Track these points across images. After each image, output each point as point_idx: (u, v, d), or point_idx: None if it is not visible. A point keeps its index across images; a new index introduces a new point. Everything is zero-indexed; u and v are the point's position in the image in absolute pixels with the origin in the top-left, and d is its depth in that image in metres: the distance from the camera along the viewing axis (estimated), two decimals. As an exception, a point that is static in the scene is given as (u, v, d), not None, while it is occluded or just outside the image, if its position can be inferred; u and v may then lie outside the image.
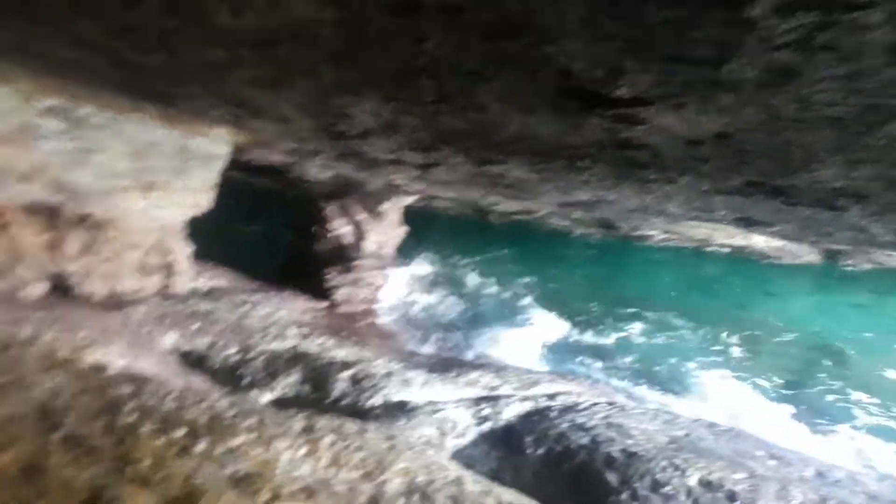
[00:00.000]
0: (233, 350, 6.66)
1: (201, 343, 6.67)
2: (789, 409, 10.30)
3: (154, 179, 7.34)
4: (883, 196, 4.68)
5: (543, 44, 2.89)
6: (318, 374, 6.53)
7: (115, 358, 5.36)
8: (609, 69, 3.10)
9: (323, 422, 4.62)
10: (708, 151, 4.53)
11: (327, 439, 4.32)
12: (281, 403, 5.91)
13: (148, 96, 6.42)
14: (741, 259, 13.25)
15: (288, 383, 6.37)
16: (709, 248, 12.83)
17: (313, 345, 7.27)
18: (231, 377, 6.29)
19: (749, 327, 13.04)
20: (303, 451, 4.04)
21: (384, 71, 3.96)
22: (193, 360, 6.43)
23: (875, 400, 10.91)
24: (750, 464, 5.90)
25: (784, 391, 11.11)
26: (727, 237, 10.97)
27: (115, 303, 6.85)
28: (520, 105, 4.16)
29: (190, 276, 8.11)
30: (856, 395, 11.06)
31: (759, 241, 11.05)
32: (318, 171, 10.04)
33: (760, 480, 5.52)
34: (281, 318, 8.03)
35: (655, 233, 11.52)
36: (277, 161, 9.75)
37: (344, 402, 6.19)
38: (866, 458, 8.92)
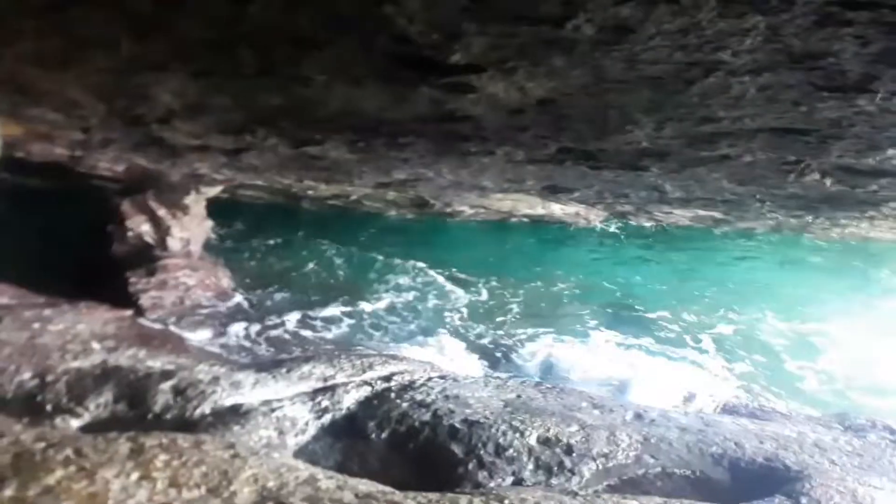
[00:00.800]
0: (27, 375, 5.75)
1: (-14, 371, 5.72)
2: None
3: None
4: (682, 153, 5.15)
5: (383, 2, 2.75)
6: (135, 389, 5.86)
7: None
8: (447, 33, 3.04)
9: (151, 440, 4.12)
10: (529, 120, 4.68)
11: (160, 459, 3.85)
12: (96, 427, 5.22)
13: None
14: (539, 228, 14.14)
15: (100, 404, 5.63)
16: (512, 220, 13.50)
17: (123, 357, 6.52)
18: (29, 406, 5.42)
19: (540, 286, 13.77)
20: (135, 475, 3.56)
21: (197, 41, 3.58)
22: (-22, 392, 5.50)
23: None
24: (579, 416, 6.23)
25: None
26: (529, 207, 11.58)
27: None
28: (348, 76, 3.98)
29: (-41, 296, 6.94)
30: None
31: (556, 209, 11.80)
32: (109, 164, 9.06)
33: (591, 430, 5.86)
34: (81, 333, 7.10)
35: (466, 208, 11.88)
36: (60, 155, 8.64)
37: (169, 416, 5.63)
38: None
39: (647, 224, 13.14)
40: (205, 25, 3.37)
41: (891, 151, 4.56)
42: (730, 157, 5.08)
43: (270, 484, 3.93)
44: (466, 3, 2.69)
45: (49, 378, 5.79)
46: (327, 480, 4.20)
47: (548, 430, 5.73)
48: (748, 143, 4.61)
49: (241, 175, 9.33)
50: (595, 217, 13.03)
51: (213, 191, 10.50)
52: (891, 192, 6.11)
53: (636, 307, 12.39)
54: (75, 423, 5.32)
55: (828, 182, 5.71)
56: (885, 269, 14.70)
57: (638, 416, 6.56)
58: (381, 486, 4.48)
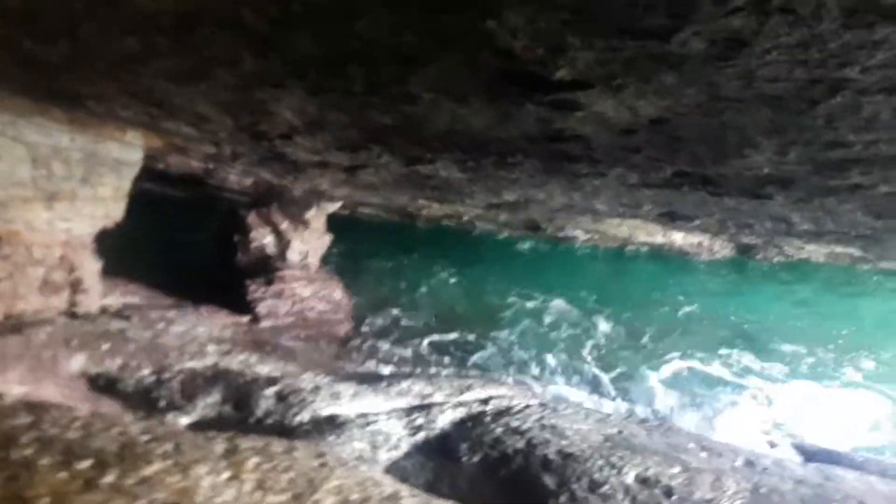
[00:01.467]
0: (147, 371, 6.16)
1: (112, 365, 6.14)
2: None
3: (59, 189, 6.75)
4: (808, 181, 4.75)
5: (486, 17, 2.71)
6: (241, 393, 6.12)
7: (12, 385, 4.84)
8: (551, 46, 2.95)
9: (247, 443, 4.26)
10: (641, 140, 4.47)
11: (252, 461, 3.97)
12: (201, 426, 5.48)
13: (53, 96, 5.91)
14: (659, 257, 13.56)
15: (208, 404, 5.93)
16: (630, 247, 13.05)
17: (235, 361, 6.84)
18: (145, 400, 5.80)
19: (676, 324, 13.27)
20: (225, 475, 3.69)
21: (310, 58, 3.69)
22: (103, 384, 5.91)
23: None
24: (683, 457, 5.90)
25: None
26: (647, 235, 11.16)
27: (14, 325, 6.21)
28: (454, 94, 3.97)
29: (99, 293, 7.50)
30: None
31: (678, 237, 11.30)
32: (238, 177, 9.61)
33: (695, 473, 5.52)
34: (199, 335, 7.53)
35: (579, 233, 11.60)
36: (195, 168, 9.27)
37: (270, 421, 5.81)
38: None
39: (776, 260, 12.30)
40: (316, 43, 3.47)
41: None
42: (863, 186, 4.62)
43: (354, 496, 3.94)
44: (568, 16, 2.59)
45: (165, 376, 6.16)
46: (411, 499, 4.17)
47: (647, 469, 5.44)
48: (884, 171, 4.17)
49: (358, 192, 9.58)
50: (720, 248, 12.36)
51: (333, 207, 10.88)
52: None
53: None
54: (184, 420, 5.61)
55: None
56: None
57: (749, 464, 6.13)
58: (463, 510, 4.41)
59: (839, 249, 8.97)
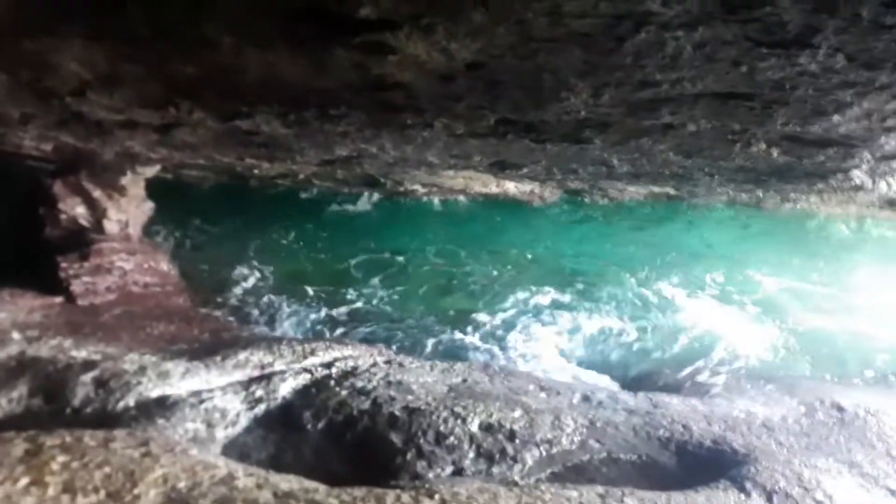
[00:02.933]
0: (-67, 369, 5.35)
1: None
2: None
3: None
4: (624, 123, 4.90)
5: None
6: (53, 382, 5.46)
7: None
8: (350, -19, 2.72)
9: (53, 440, 3.78)
10: (461, 87, 4.38)
11: (58, 461, 3.52)
12: (5, 424, 4.83)
13: None
14: (495, 205, 13.90)
15: (13, 398, 5.23)
16: (466, 197, 13.24)
17: (45, 348, 6.10)
18: (-67, 402, 5.04)
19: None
20: (24, 481, 3.24)
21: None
22: None
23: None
24: (524, 399, 6.04)
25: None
26: (482, 185, 11.30)
27: None
28: (254, 37, 3.64)
29: None
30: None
31: (510, 187, 11.55)
32: (35, 142, 8.51)
33: (536, 414, 5.65)
34: (1, 322, 6.66)
35: (418, 187, 11.56)
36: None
37: (88, 410, 5.25)
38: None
39: (602, 201, 12.97)
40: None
41: (836, 118, 4.36)
42: (673, 126, 4.84)
43: (181, 484, 3.61)
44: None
45: (-43, 373, 5.38)
46: (246, 478, 3.89)
47: (490, 415, 5.50)
48: (690, 110, 4.37)
49: (178, 154, 8.86)
50: (550, 195, 12.82)
51: (151, 170, 9.98)
52: (837, 164, 5.96)
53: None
54: (-19, 421, 4.93)
55: (774, 153, 5.53)
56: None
57: (585, 399, 6.38)
58: (305, 483, 4.18)
59: (657, 189, 9.55)
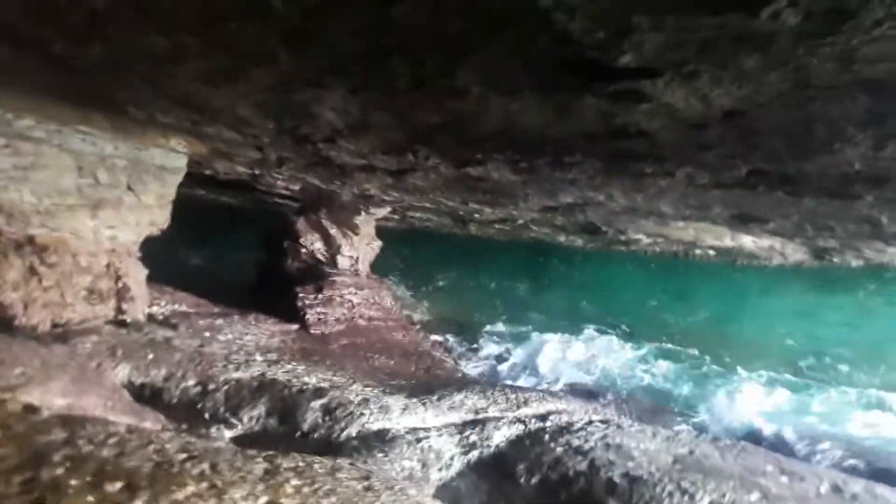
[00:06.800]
0: (192, 382, 5.98)
1: (157, 375, 5.99)
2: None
3: (103, 196, 6.69)
4: (907, 179, 4.25)
5: (538, -5, 2.37)
6: (287, 405, 5.86)
7: (54, 397, 4.69)
8: (614, 27, 2.59)
9: (288, 462, 3.99)
10: (713, 135, 4.05)
11: (292, 484, 3.69)
12: (245, 440, 5.26)
13: (93, 103, 5.85)
14: (725, 264, 12.93)
15: (253, 416, 5.69)
16: (696, 252, 12.42)
17: (281, 372, 6.60)
18: (190, 412, 5.62)
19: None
20: (263, 500, 3.41)
21: (349, 52, 3.42)
22: (148, 395, 5.75)
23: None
24: (762, 482, 5.37)
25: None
26: (715, 238, 10.51)
27: (60, 334, 6.14)
28: (504, 87, 3.63)
29: (145, 301, 7.42)
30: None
31: (747, 241, 10.64)
32: (285, 182, 9.48)
33: (775, 500, 5.00)
34: (247, 344, 7.35)
35: (641, 237, 11.06)
36: (242, 174, 9.18)
37: (315, 436, 5.54)
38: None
39: (855, 263, 11.48)
40: (354, 35, 3.19)
41: None
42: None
43: (399, 524, 3.63)
44: (634, -12, 2.23)
45: (210, 387, 5.97)
46: (460, 527, 3.84)
47: (723, 495, 4.95)
48: None
49: (408, 196, 9.33)
50: (792, 252, 11.63)
51: (382, 211, 10.67)
52: None
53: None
54: (228, 434, 5.41)
55: None
56: None
57: (836, 489, 5.54)
58: (519, 541, 4.04)
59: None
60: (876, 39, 2.33)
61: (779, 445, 7.81)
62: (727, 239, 10.26)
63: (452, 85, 3.75)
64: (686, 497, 4.87)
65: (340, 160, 6.91)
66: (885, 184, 4.40)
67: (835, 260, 11.29)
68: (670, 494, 4.89)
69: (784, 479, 5.58)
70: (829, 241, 8.03)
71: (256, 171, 8.64)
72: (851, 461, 7.41)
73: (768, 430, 8.99)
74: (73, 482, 3.19)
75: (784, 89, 3.03)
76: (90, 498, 3.05)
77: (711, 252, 11.69)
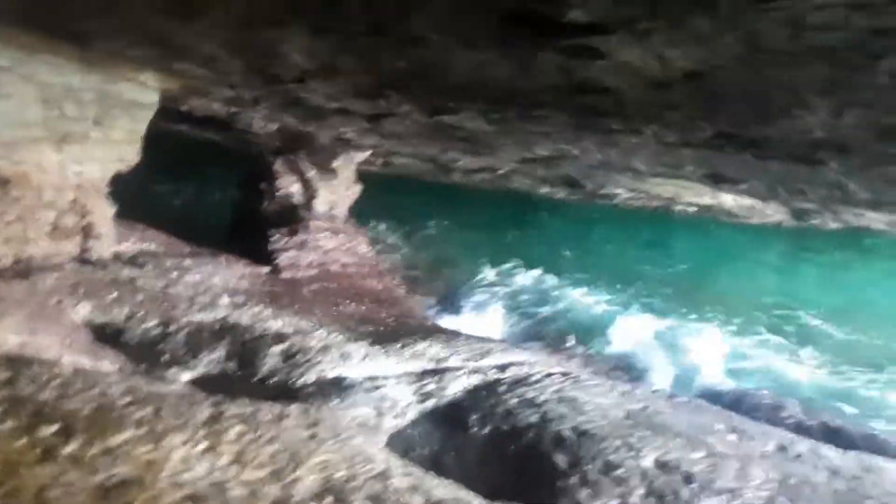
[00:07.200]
0: (153, 322, 5.96)
1: (118, 315, 5.96)
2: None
3: (70, 130, 6.54)
4: (869, 148, 4.17)
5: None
6: (247, 349, 5.87)
7: (7, 333, 4.68)
8: (557, -19, 2.50)
9: (233, 409, 4.01)
10: (676, 96, 3.97)
11: (234, 430, 3.71)
12: (202, 383, 5.26)
13: (59, 33, 5.65)
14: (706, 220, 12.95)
15: (212, 359, 5.68)
16: (676, 208, 12.40)
17: (246, 315, 6.58)
18: (150, 353, 5.59)
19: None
20: (202, 446, 3.44)
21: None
22: (108, 335, 5.72)
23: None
24: (709, 440, 5.45)
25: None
26: (695, 196, 10.47)
27: (21, 270, 6.08)
28: (462, 37, 3.54)
29: (113, 239, 7.33)
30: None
31: (727, 199, 10.61)
32: (262, 122, 9.31)
33: (720, 459, 5.08)
34: (214, 286, 7.31)
35: (621, 191, 11.01)
36: (218, 111, 9.00)
37: (273, 381, 5.56)
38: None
39: (834, 225, 11.50)
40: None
41: None
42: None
43: (339, 474, 3.65)
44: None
45: (172, 328, 5.96)
46: (402, 478, 3.86)
47: (668, 452, 5.03)
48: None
49: (386, 142, 9.21)
50: (773, 212, 11.61)
51: (362, 155, 10.50)
52: None
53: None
54: (185, 376, 5.40)
55: None
56: None
57: (781, 449, 5.64)
58: (460, 493, 4.07)
59: (903, 218, 8.23)
60: (821, 7, 2.25)
61: (737, 403, 7.92)
62: (707, 197, 10.23)
63: (410, 32, 3.67)
64: (632, 452, 4.94)
65: (315, 101, 6.79)
66: (848, 152, 4.35)
67: (814, 221, 11.30)
68: (616, 449, 4.96)
69: (733, 437, 5.68)
70: (805, 203, 8.02)
71: (233, 109, 8.46)
72: (808, 421, 7.52)
73: (728, 386, 9.17)
74: (5, 425, 3.19)
75: (739, 52, 2.95)
76: (22, 440, 3.06)
77: (691, 209, 11.67)
